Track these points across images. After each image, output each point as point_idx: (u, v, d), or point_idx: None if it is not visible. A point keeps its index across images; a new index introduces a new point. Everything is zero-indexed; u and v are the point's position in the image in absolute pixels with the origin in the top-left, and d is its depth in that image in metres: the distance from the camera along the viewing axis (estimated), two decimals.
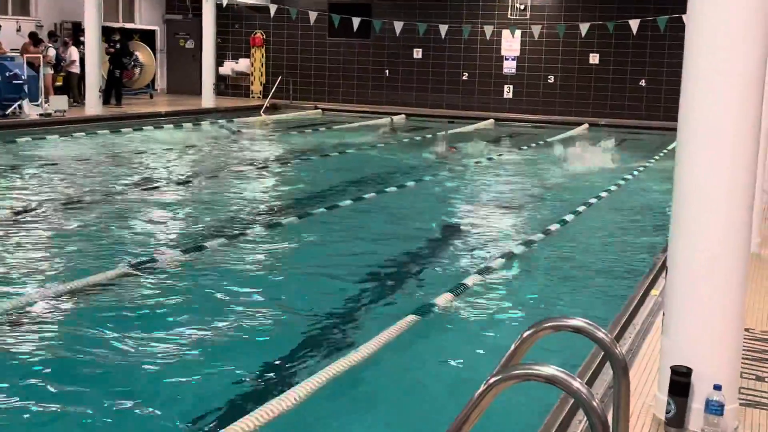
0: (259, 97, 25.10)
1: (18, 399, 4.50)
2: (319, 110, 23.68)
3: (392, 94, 24.57)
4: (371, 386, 4.91)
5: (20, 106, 16.84)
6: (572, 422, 3.78)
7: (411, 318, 5.76)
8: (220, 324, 5.71)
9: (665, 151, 16.42)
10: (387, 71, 24.58)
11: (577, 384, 2.26)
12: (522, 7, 23.11)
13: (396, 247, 8.30)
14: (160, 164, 13.35)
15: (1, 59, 16.95)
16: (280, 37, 25.37)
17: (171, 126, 18.62)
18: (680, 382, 3.57)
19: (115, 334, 5.41)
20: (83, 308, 5.98)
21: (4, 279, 6.59)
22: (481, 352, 5.46)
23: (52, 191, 10.51)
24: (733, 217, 3.55)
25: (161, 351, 5.21)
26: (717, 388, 3.54)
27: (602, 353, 4.14)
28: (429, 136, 18.43)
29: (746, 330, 4.75)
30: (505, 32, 22.86)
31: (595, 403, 2.24)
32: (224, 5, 22.27)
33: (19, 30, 20.54)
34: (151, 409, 4.44)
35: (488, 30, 21.68)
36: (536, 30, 21.34)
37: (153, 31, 25.46)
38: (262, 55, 25.61)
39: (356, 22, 21.11)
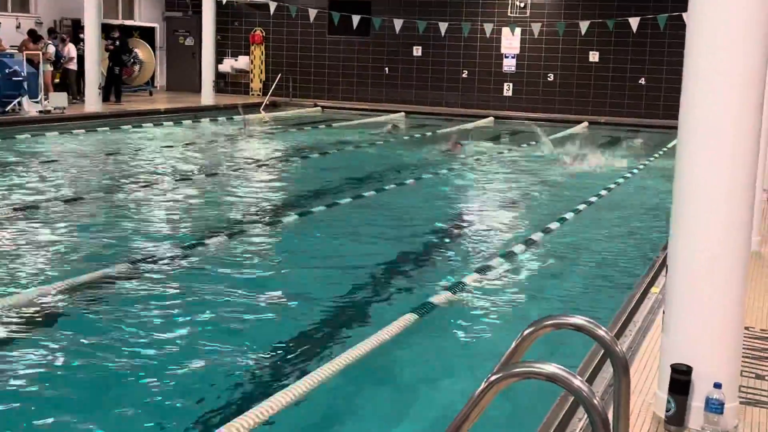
0: (258, 95, 25.07)
1: (15, 398, 4.49)
2: (319, 108, 23.64)
3: (392, 91, 24.55)
4: (371, 386, 4.91)
5: (20, 103, 16.83)
6: (572, 420, 3.78)
7: (409, 316, 5.75)
8: (218, 322, 5.72)
9: (664, 149, 16.42)
10: (387, 69, 24.56)
11: (577, 382, 2.26)
12: (522, 4, 23.10)
13: (395, 244, 8.30)
14: (160, 161, 13.33)
15: (1, 56, 16.94)
16: (280, 34, 25.34)
17: (170, 123, 18.61)
18: (680, 381, 3.58)
19: (115, 333, 5.41)
20: (81, 305, 5.98)
21: (2, 276, 6.59)
22: (481, 350, 5.46)
23: (51, 188, 10.51)
24: (734, 215, 3.56)
25: (161, 348, 5.21)
26: (717, 386, 3.55)
27: (602, 351, 4.15)
28: (429, 134, 18.42)
29: (746, 328, 4.76)
30: (505, 30, 22.86)
31: (595, 401, 2.24)
32: (224, 2, 22.26)
33: (18, 27, 20.55)
34: (151, 408, 4.44)
35: (488, 28, 21.67)
36: (536, 28, 21.35)
37: (152, 29, 25.42)
38: (262, 52, 25.58)
39: (356, 19, 21.12)
